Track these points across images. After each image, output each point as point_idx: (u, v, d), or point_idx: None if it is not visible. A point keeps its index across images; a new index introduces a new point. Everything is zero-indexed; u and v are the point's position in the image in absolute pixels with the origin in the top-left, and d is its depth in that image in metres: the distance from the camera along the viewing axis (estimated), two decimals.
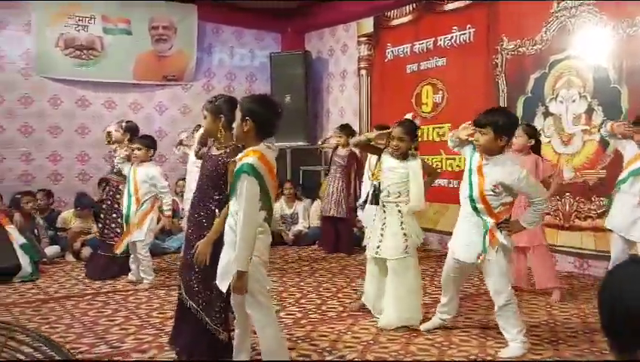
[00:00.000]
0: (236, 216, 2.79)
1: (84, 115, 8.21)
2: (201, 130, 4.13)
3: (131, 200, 5.34)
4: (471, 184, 3.55)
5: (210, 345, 3.22)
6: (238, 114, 2.89)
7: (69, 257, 6.63)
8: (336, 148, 7.13)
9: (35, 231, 6.60)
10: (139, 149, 5.36)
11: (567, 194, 5.94)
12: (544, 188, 3.92)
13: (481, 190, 3.49)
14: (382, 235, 4.06)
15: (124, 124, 5.78)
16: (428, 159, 7.33)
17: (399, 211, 4.02)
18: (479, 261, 3.54)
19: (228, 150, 3.28)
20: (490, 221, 3.48)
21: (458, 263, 3.72)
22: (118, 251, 5.48)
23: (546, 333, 3.93)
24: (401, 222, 4.01)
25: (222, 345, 3.22)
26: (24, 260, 5.69)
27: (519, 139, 4.79)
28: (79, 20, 7.90)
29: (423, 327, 3.95)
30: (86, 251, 6.57)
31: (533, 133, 4.87)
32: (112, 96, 8.42)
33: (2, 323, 1.43)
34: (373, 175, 4.52)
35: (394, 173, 4.03)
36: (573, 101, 5.94)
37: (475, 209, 3.52)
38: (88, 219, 6.89)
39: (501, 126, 3.44)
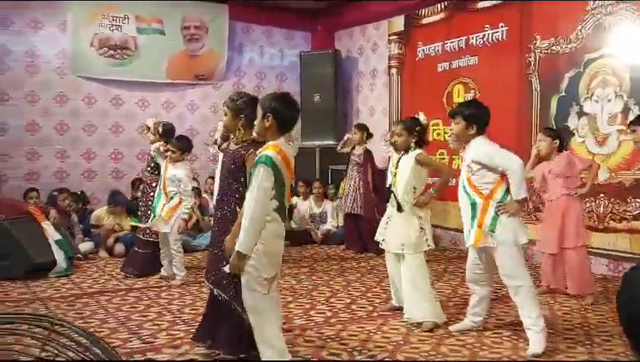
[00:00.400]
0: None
1: (118, 113, 8.35)
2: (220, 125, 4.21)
3: (161, 194, 5.48)
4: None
5: (248, 334, 3.21)
6: (259, 111, 2.98)
7: (103, 253, 6.76)
8: (353, 147, 7.16)
9: (70, 227, 6.75)
10: (173, 152, 5.46)
11: (602, 195, 5.82)
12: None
13: (465, 173, 3.74)
14: (385, 228, 4.24)
15: (160, 128, 5.83)
16: (457, 158, 7.29)
17: (407, 207, 4.11)
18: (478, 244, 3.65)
19: (245, 144, 3.36)
20: (479, 200, 3.64)
21: (473, 255, 3.80)
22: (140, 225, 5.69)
23: (581, 336, 3.86)
24: (408, 218, 4.10)
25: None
26: (59, 256, 5.82)
27: (542, 143, 4.86)
28: (113, 20, 8.04)
29: (452, 329, 3.93)
30: (119, 248, 6.69)
31: (554, 134, 4.92)
32: (145, 95, 8.54)
33: (45, 317, 1.46)
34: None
35: (398, 169, 4.21)
36: (609, 100, 5.82)
37: (467, 194, 3.71)
38: (121, 215, 7.01)
39: (469, 115, 3.69)
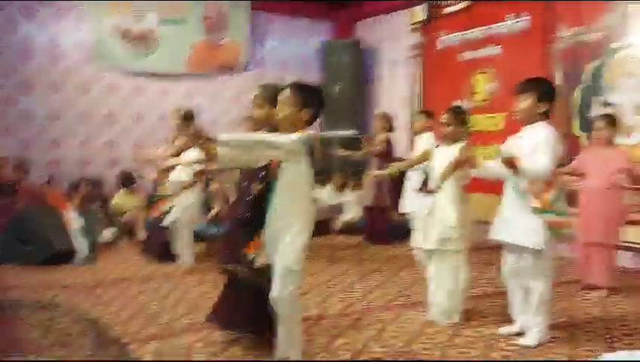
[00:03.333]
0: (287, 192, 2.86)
1: (140, 103, 8.42)
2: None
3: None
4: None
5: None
6: (294, 101, 2.88)
7: (124, 240, 6.84)
8: (372, 137, 7.11)
9: (92, 214, 6.83)
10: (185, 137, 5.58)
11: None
12: None
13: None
14: (427, 223, 3.96)
15: (182, 112, 5.89)
16: (480, 149, 7.20)
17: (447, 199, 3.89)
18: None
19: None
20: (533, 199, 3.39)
21: (509, 252, 3.62)
22: (156, 214, 5.76)
23: (601, 329, 3.80)
24: (448, 212, 3.86)
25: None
26: (81, 243, 5.91)
27: (602, 132, 4.66)
28: (135, 11, 8.09)
29: (501, 331, 3.74)
30: (141, 234, 6.76)
31: (615, 123, 4.75)
32: (166, 86, 8.59)
33: (50, 305, 1.47)
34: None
35: (444, 158, 3.92)
36: (634, 91, 5.69)
37: (513, 187, 3.46)
38: (139, 195, 7.11)
39: (542, 92, 3.42)
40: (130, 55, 8.18)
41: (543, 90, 3.47)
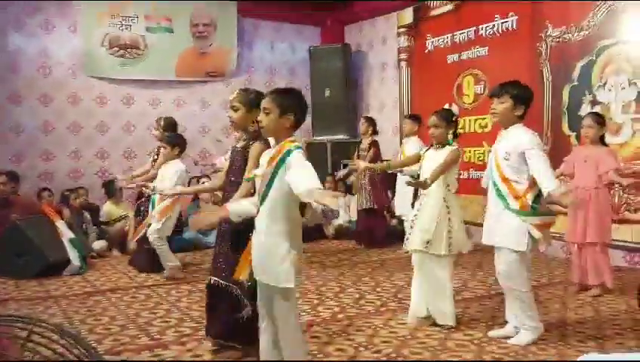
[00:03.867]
0: (274, 201, 2.74)
1: (130, 112, 8.41)
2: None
3: (156, 195, 5.46)
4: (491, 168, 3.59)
5: (242, 322, 3.26)
6: (274, 107, 2.80)
7: (115, 251, 6.82)
8: (360, 140, 7.15)
9: (83, 225, 6.82)
10: (164, 148, 5.53)
11: (617, 186, 5.71)
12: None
13: (497, 164, 3.50)
14: (411, 227, 3.96)
15: (162, 122, 5.91)
16: (470, 151, 7.22)
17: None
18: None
19: (250, 138, 3.38)
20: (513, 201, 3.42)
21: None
22: (133, 245, 5.69)
23: (591, 330, 3.80)
24: (437, 215, 3.83)
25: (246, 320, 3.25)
26: (73, 254, 5.88)
27: (589, 130, 4.68)
28: (123, 20, 8.09)
29: (492, 334, 3.73)
30: (131, 245, 6.73)
31: (603, 122, 4.76)
32: (156, 94, 8.59)
33: (24, 318, 1.47)
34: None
35: (431, 162, 3.90)
36: (623, 88, 5.71)
37: (496, 190, 3.50)
38: (127, 204, 7.10)
39: (517, 95, 3.47)
40: (119, 64, 8.17)
41: (520, 93, 3.51)
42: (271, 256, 2.74)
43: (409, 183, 3.89)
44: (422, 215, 3.88)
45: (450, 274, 3.89)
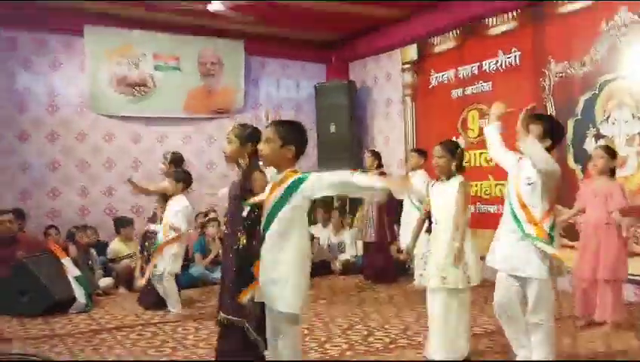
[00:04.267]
0: (283, 227, 2.79)
1: (137, 149, 8.47)
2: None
3: (161, 227, 5.51)
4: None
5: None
6: (276, 139, 2.87)
7: (122, 289, 6.79)
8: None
9: (89, 263, 6.81)
10: (170, 183, 5.57)
11: (627, 220, 5.69)
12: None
13: (518, 192, 3.51)
14: (425, 263, 3.96)
15: (169, 156, 5.95)
16: (476, 185, 7.22)
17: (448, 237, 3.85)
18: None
19: (246, 171, 3.44)
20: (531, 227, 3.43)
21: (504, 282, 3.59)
22: (142, 283, 5.63)
23: None
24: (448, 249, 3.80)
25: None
26: (79, 292, 5.86)
27: (599, 160, 4.65)
28: (131, 59, 8.22)
29: None
30: (138, 282, 6.71)
31: (614, 154, 4.74)
32: (163, 131, 8.66)
33: (30, 356, 1.46)
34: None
35: (440, 199, 3.92)
36: (626, 122, 5.74)
37: (514, 217, 3.49)
38: (134, 241, 7.06)
39: (549, 129, 3.54)
40: (127, 102, 8.27)
41: (547, 126, 3.56)
42: (278, 282, 2.76)
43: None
44: (436, 251, 3.87)
45: (467, 307, 3.88)
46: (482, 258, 3.76)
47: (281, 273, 2.75)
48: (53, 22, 7.70)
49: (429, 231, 4.05)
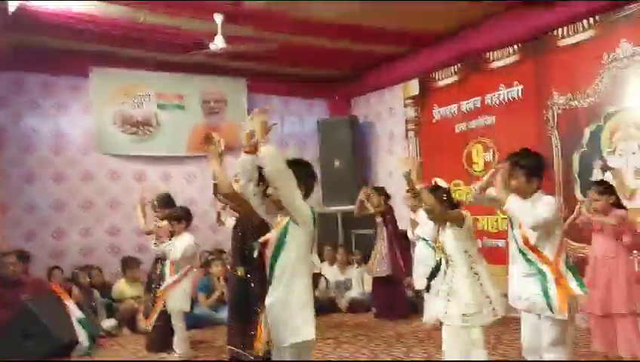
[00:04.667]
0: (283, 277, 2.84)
1: (142, 188, 8.44)
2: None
3: (167, 270, 5.42)
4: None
5: None
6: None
7: (125, 330, 6.69)
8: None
9: (93, 304, 6.73)
10: (173, 225, 5.46)
11: (635, 252, 5.60)
12: None
13: (523, 234, 3.46)
14: (448, 300, 3.91)
15: (155, 201, 5.87)
16: (483, 219, 7.16)
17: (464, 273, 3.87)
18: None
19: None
20: (545, 267, 3.37)
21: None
22: (147, 325, 5.53)
23: None
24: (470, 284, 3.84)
25: None
26: (82, 335, 5.76)
27: (595, 203, 4.54)
28: (135, 98, 8.28)
29: None
30: (142, 324, 6.61)
31: (610, 190, 4.64)
32: (168, 169, 8.67)
33: None
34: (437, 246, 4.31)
35: (446, 237, 3.95)
36: (634, 153, 5.70)
37: (523, 256, 3.45)
38: (140, 284, 6.96)
39: (530, 167, 3.47)
40: (132, 141, 8.30)
41: (531, 163, 3.51)
42: (282, 315, 2.80)
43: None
44: (455, 288, 3.84)
45: (484, 341, 3.87)
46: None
47: (286, 303, 2.81)
48: (58, 63, 7.78)
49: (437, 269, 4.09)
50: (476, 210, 5.63)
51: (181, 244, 5.37)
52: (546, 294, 3.36)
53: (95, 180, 8.15)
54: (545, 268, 3.38)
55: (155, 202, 5.95)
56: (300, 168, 2.96)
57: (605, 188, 4.67)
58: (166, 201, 5.92)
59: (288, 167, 2.90)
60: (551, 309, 3.35)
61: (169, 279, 5.38)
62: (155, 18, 6.48)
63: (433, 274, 4.21)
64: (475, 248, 3.94)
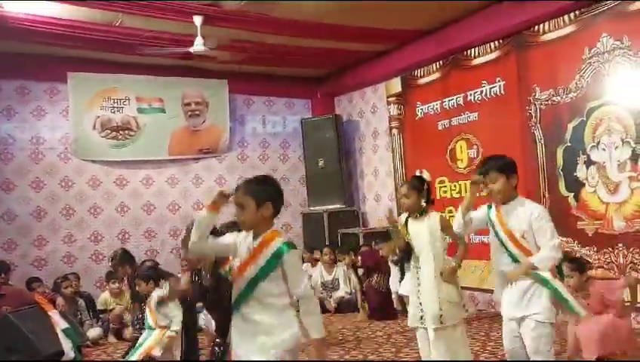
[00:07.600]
0: (272, 298, 2.72)
1: (123, 193, 8.33)
2: None
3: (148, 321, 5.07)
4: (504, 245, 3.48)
5: None
6: (250, 199, 2.73)
7: (111, 339, 6.58)
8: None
9: (78, 313, 6.61)
10: (139, 285, 5.07)
11: (620, 244, 5.65)
12: None
13: (512, 238, 3.42)
14: (420, 303, 3.83)
15: (110, 264, 5.62)
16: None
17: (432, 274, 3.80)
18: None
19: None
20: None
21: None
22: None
23: None
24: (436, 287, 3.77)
25: None
26: (67, 345, 5.64)
27: (570, 280, 4.33)
28: (114, 102, 8.14)
29: None
30: (128, 331, 6.51)
31: (582, 269, 4.48)
32: (149, 173, 8.55)
33: None
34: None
35: (417, 238, 3.87)
36: (616, 148, 5.73)
37: (511, 257, 3.44)
38: (125, 294, 6.83)
39: (505, 166, 3.49)
40: (112, 146, 8.17)
41: (505, 163, 3.52)
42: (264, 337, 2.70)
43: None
44: (423, 290, 3.80)
45: (466, 339, 3.87)
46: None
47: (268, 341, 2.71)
48: (35, 69, 7.63)
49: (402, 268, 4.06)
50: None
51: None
52: (534, 298, 3.34)
53: (75, 187, 8.01)
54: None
55: (117, 266, 5.58)
56: (270, 188, 2.82)
57: (576, 265, 4.50)
58: (124, 258, 5.54)
59: (251, 188, 2.76)
60: (536, 312, 3.33)
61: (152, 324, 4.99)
62: (133, 20, 6.38)
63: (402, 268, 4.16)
64: (443, 248, 3.88)
